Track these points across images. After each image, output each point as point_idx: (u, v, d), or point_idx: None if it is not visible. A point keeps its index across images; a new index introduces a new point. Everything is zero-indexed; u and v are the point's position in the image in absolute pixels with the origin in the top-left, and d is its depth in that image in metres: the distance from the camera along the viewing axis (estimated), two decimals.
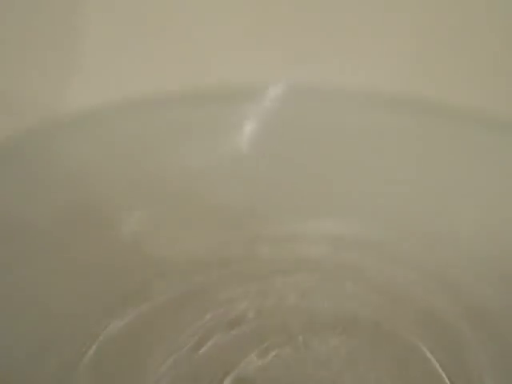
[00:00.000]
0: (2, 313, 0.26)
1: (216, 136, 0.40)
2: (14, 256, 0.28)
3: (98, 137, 0.38)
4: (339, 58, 0.43)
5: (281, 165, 0.39)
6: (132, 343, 0.26)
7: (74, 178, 0.34)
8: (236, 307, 0.29)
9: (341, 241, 0.33)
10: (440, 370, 0.26)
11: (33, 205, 0.32)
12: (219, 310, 0.28)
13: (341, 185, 0.37)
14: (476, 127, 0.42)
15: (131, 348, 0.26)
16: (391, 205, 0.36)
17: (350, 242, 0.33)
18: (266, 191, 0.36)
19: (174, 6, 0.44)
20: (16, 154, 0.35)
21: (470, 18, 0.44)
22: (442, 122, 0.42)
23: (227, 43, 0.43)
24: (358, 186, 0.37)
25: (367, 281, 0.31)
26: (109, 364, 0.25)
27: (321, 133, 0.41)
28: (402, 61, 0.44)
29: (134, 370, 0.25)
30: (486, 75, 0.43)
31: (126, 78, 0.41)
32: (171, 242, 0.32)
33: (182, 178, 0.36)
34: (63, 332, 0.26)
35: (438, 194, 0.37)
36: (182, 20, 0.43)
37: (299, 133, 0.41)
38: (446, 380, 0.26)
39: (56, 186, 0.33)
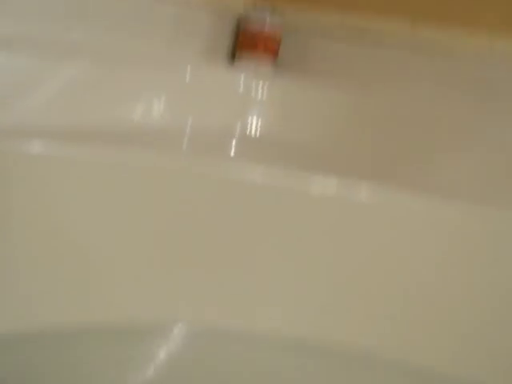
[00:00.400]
0: None
1: (118, 370, 0.39)
2: None
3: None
4: (243, 302, 0.43)
5: None
6: None
7: None
8: None
9: None
10: None
11: None
12: None
13: None
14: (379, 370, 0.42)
15: None
16: None
17: None
18: None
19: (86, 247, 0.43)
20: None
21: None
22: (344, 366, 0.42)
23: (133, 281, 0.42)
24: None
25: None
26: None
27: (221, 372, 0.40)
28: (307, 305, 0.44)
29: None
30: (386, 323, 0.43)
31: (37, 309, 0.39)
32: None
33: None
34: None
35: None
36: (92, 260, 0.42)
37: (200, 372, 0.40)
38: None
39: None
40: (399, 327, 0.46)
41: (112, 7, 0.95)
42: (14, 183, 0.42)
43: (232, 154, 0.86)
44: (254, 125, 0.99)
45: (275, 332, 0.42)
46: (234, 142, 0.91)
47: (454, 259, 0.51)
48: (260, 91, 1.03)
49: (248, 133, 0.97)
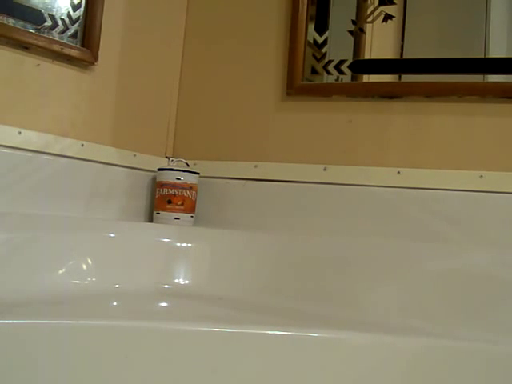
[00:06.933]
0: None
1: None
2: None
3: None
4: None
5: None
6: None
7: None
8: None
9: None
10: None
11: None
12: None
13: None
14: None
15: None
16: None
17: None
18: None
19: None
20: None
21: None
22: None
23: None
24: None
25: None
26: None
27: None
28: None
29: None
30: None
31: None
32: None
33: None
34: None
35: None
36: None
37: None
38: None
39: None
40: None
41: (26, 176, 0.94)
42: None
43: (162, 310, 0.85)
44: (182, 278, 0.98)
45: None
46: (163, 298, 0.90)
47: None
48: (183, 244, 1.03)
49: (175, 288, 0.96)
